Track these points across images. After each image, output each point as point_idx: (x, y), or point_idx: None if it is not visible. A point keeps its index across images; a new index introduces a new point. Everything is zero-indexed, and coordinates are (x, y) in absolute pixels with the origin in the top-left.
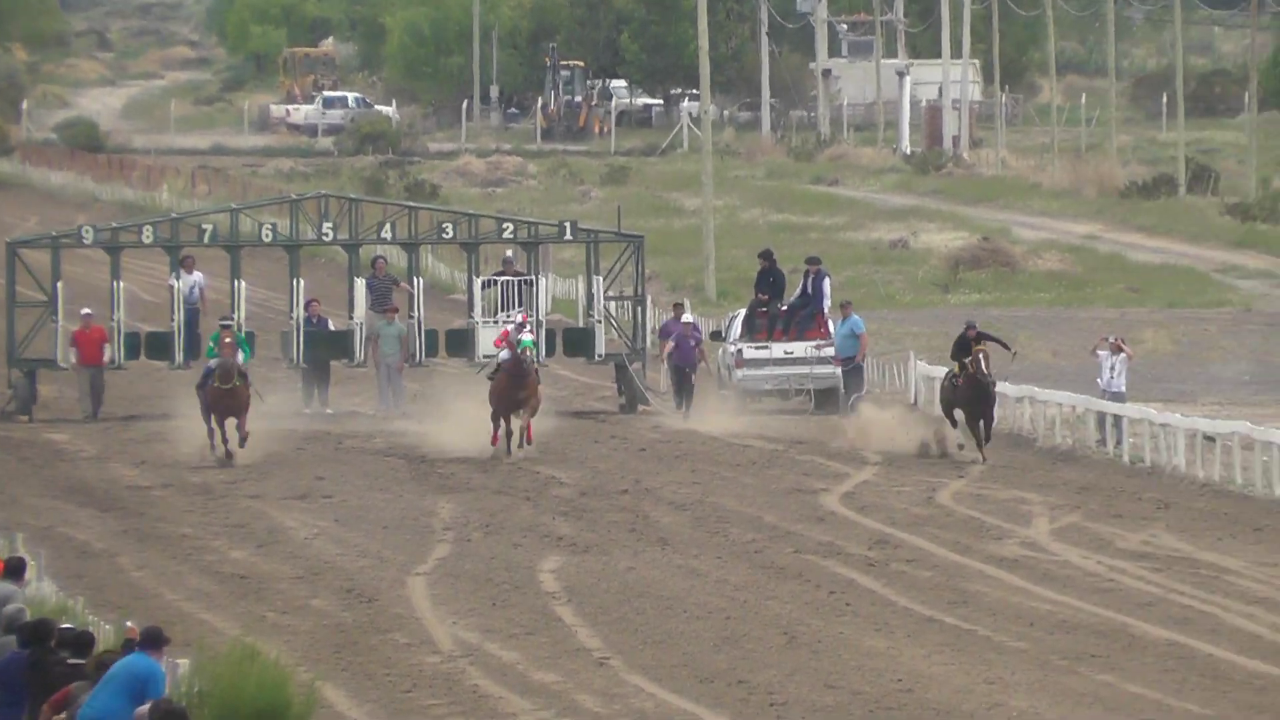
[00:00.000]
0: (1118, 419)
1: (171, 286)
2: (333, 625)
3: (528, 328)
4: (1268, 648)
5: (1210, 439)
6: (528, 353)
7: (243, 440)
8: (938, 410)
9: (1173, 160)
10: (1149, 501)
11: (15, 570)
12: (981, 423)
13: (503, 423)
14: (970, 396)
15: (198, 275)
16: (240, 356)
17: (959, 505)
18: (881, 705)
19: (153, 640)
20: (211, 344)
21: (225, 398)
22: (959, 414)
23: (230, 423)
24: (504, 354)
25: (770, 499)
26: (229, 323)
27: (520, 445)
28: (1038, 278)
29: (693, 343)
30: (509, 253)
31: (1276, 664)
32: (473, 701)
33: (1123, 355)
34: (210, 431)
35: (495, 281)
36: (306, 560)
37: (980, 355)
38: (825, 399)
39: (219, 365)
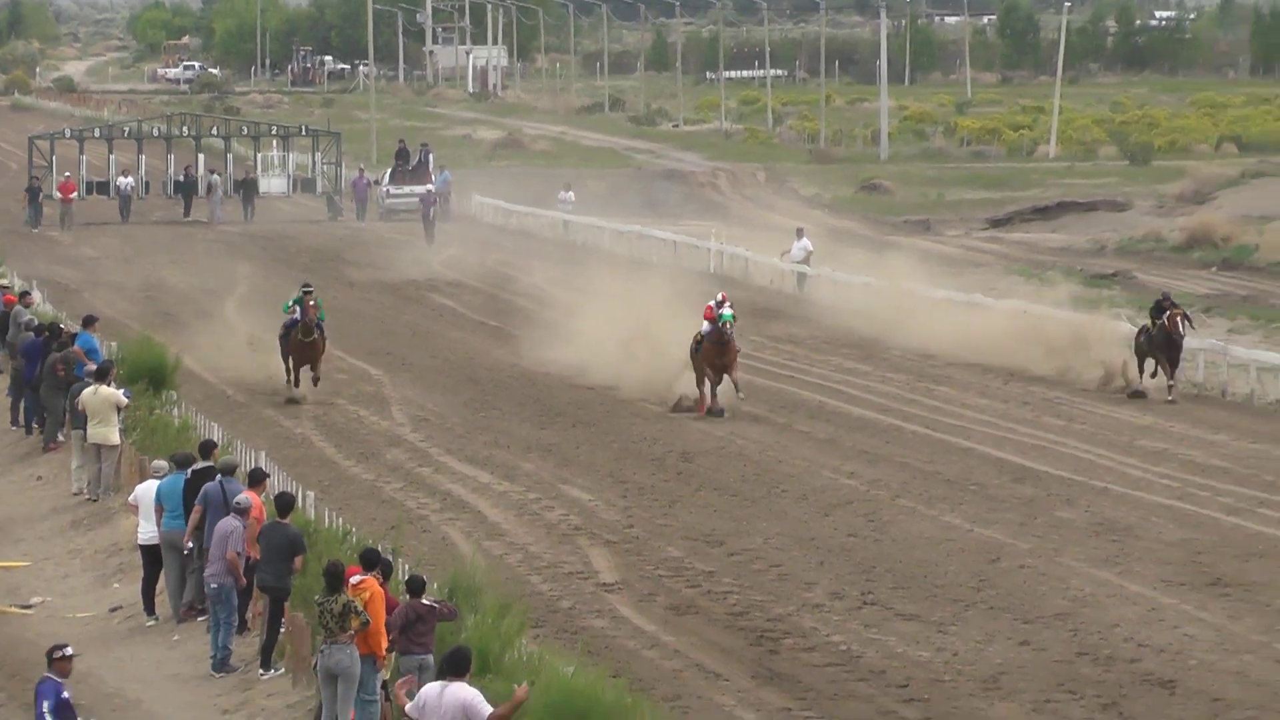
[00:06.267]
0: (570, 223)
1: (109, 159)
2: None
3: (727, 304)
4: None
5: (621, 232)
6: (727, 325)
7: (316, 380)
8: (488, 219)
9: (603, 94)
10: (592, 267)
11: (23, 294)
12: (1167, 367)
13: (707, 386)
14: (1163, 345)
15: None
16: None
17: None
18: (483, 366)
19: (86, 322)
20: (292, 302)
21: (306, 349)
22: (1149, 362)
23: (305, 368)
24: (706, 326)
25: (405, 264)
26: (311, 288)
27: (739, 394)
28: (536, 154)
29: (367, 185)
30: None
31: (824, 396)
32: None
33: (571, 193)
34: (287, 371)
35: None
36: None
37: (1178, 315)
38: (429, 219)
39: (302, 323)
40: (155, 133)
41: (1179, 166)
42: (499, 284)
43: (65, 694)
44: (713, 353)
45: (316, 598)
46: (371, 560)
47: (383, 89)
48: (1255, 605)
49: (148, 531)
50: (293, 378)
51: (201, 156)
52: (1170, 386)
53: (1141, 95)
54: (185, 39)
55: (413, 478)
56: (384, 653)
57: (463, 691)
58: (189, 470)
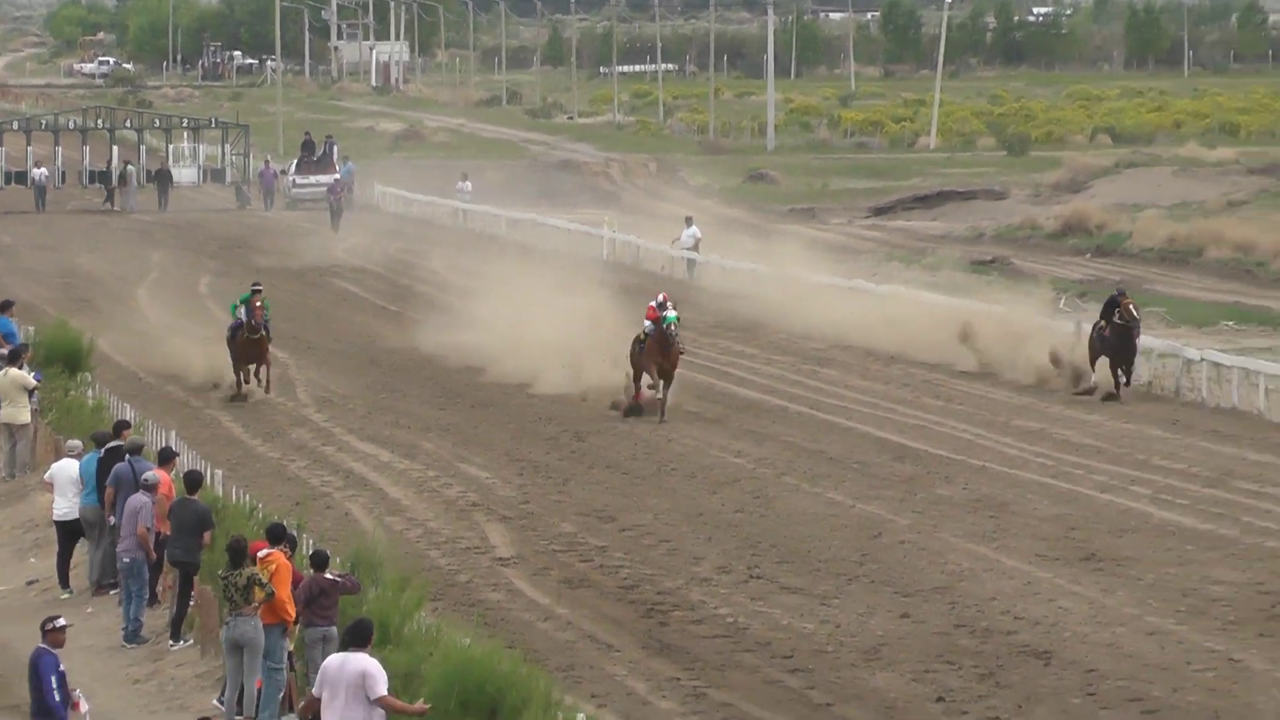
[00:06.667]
0: (469, 213)
1: (28, 151)
2: None
3: (670, 304)
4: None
5: (517, 220)
6: (672, 327)
7: (267, 379)
8: (390, 208)
9: (501, 88)
10: (489, 254)
11: None
12: (1123, 366)
13: (645, 385)
14: (1116, 345)
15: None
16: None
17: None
18: (384, 349)
19: (3, 306)
20: (239, 303)
21: (252, 345)
22: (1101, 361)
23: (252, 367)
24: (649, 326)
25: (310, 250)
26: (259, 287)
27: (662, 415)
28: (436, 146)
29: (273, 175)
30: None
31: (712, 378)
32: None
33: (468, 183)
34: (237, 378)
35: None
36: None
37: (1129, 304)
38: (336, 208)
39: (247, 323)
40: (71, 125)
41: (1055, 157)
42: (400, 270)
43: (62, 666)
44: (656, 353)
45: (220, 572)
46: (277, 535)
47: (289, 83)
48: (1127, 579)
49: (63, 508)
50: (240, 377)
51: (116, 148)
52: (1121, 384)
53: (1019, 88)
54: (100, 35)
55: (317, 456)
56: (292, 621)
57: (364, 662)
58: (103, 449)
